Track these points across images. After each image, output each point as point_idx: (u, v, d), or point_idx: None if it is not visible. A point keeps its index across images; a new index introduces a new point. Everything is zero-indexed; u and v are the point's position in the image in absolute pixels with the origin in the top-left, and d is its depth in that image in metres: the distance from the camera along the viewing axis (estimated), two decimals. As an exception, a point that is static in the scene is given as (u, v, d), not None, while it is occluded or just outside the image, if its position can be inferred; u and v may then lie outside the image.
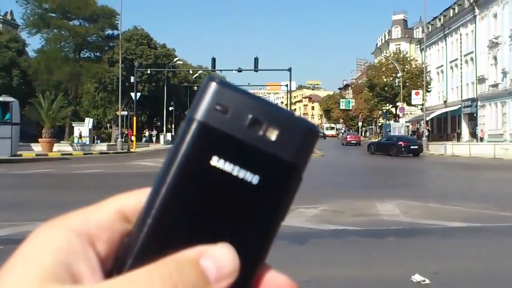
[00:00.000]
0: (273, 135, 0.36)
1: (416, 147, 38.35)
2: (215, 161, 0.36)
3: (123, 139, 44.06)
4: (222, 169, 0.36)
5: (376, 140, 43.40)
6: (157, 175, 0.38)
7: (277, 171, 0.36)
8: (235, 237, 0.36)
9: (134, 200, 0.40)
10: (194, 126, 0.36)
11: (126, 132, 49.84)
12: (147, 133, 56.89)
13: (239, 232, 0.36)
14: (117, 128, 52.75)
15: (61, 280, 0.34)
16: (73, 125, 45.45)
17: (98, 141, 44.39)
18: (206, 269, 0.34)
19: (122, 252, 0.37)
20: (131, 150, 42.23)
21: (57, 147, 38.66)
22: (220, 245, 0.35)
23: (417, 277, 6.07)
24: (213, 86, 0.37)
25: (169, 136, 59.73)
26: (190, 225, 0.36)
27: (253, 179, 0.36)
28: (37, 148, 37.60)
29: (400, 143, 38.35)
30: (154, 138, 57.30)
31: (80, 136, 43.45)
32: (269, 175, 0.36)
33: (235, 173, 0.36)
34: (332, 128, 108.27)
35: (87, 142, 41.84)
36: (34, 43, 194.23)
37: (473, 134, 56.33)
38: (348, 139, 60.79)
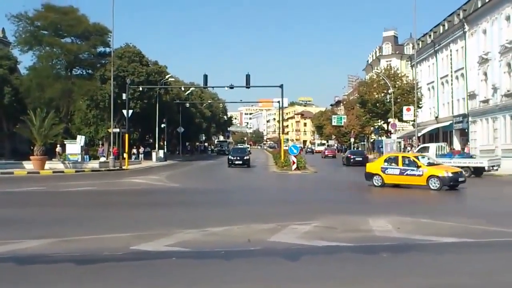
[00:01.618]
0: None
1: (361, 159, 48.39)
2: None
3: (106, 157, 43.93)
4: None
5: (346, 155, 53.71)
6: None
7: None
8: None
9: None
10: None
11: (111, 150, 49.73)
12: (135, 151, 56.57)
13: None
14: (101, 146, 52.47)
15: None
16: (65, 142, 45.21)
17: (87, 158, 44.05)
18: None
19: None
20: (123, 167, 42.06)
21: (48, 164, 38.44)
22: None
23: (410, 293, 6.05)
24: None
25: (161, 153, 59.48)
26: None
27: None
28: (28, 165, 37.38)
29: (349, 155, 51.29)
30: (141, 156, 56.83)
31: (60, 154, 43.33)
32: None
33: None
34: (323, 144, 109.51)
35: (79, 160, 41.62)
36: (26, 60, 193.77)
37: (468, 150, 56.59)
38: (326, 153, 76.45)
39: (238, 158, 44.98)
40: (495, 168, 33.43)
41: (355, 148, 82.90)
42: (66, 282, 6.82)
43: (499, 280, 7.01)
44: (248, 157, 45.68)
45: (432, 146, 39.91)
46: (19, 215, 13.98)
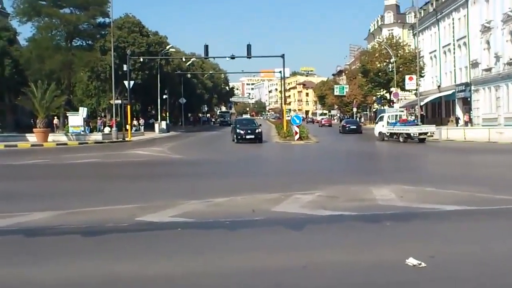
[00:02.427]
0: None
1: (355, 127, 54.69)
2: None
3: (104, 129, 43.96)
4: None
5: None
6: None
7: None
8: None
9: None
10: None
11: (109, 122, 49.73)
12: (135, 122, 56.46)
13: None
14: (99, 118, 52.37)
15: None
16: (68, 114, 45.20)
17: (88, 130, 44.06)
18: None
19: None
20: (126, 139, 42.14)
21: (51, 137, 38.55)
22: None
23: (412, 261, 6.11)
24: None
25: (164, 124, 59.47)
26: None
27: None
28: (32, 138, 37.47)
29: (345, 124, 56.48)
30: (142, 128, 56.69)
31: (58, 126, 43.34)
32: None
33: None
34: (324, 114, 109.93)
35: (82, 132, 41.68)
36: (25, 31, 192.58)
37: (457, 119, 56.64)
38: (322, 123, 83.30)
39: (249, 131, 37.15)
40: (428, 134, 36.52)
41: (358, 118, 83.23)
42: (72, 254, 6.89)
43: (500, 247, 7.06)
44: (260, 130, 38.00)
45: (386, 115, 41.50)
46: (23, 188, 14.07)
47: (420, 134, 35.82)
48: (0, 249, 7.33)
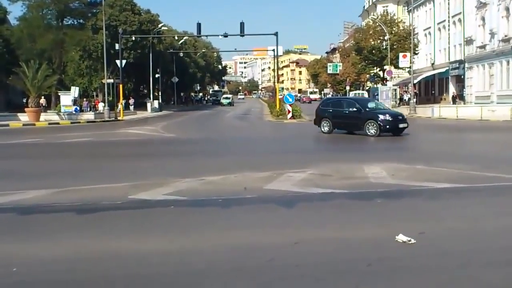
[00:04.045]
0: None
1: None
2: None
3: (88, 108, 43.76)
4: None
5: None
6: None
7: None
8: None
9: None
10: None
11: (93, 102, 49.51)
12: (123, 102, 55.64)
13: None
14: (85, 99, 51.81)
15: None
16: (59, 94, 44.95)
17: (77, 110, 43.79)
18: None
19: None
20: (118, 118, 42.03)
21: (44, 116, 38.39)
22: None
23: (401, 237, 6.21)
24: None
25: (156, 103, 59.24)
26: None
27: None
28: (24, 117, 37.32)
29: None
30: (131, 107, 55.85)
31: (44, 106, 43.02)
32: None
33: None
34: (315, 93, 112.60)
35: (73, 111, 41.50)
36: (15, 11, 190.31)
37: (460, 96, 56.67)
38: (304, 100, 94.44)
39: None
40: None
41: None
42: (67, 231, 6.96)
43: (489, 224, 7.18)
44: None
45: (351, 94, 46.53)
46: (17, 166, 14.07)
47: None
48: (-6, 228, 7.37)
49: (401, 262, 5.60)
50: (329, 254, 5.88)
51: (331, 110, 24.88)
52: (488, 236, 6.59)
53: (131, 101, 57.60)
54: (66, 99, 42.15)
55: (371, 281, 5.08)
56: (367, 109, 23.49)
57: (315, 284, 5.00)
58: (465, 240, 6.41)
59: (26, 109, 37.77)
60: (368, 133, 22.32)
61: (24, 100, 43.06)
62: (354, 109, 23.57)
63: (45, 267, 5.51)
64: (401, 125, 22.73)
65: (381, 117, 22.57)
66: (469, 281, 5.09)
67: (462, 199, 8.98)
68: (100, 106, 47.73)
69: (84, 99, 52.09)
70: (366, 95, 60.95)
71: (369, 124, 22.42)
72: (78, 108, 44.43)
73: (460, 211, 8.06)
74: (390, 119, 22.70)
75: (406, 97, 59.75)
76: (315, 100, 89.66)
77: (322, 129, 24.70)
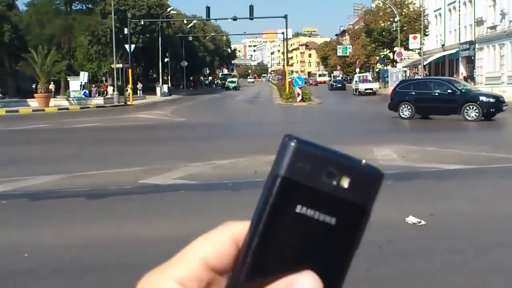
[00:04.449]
0: (345, 183, 0.43)
1: (340, 85, 69.87)
2: (299, 209, 0.42)
3: (96, 94, 43.84)
4: (305, 214, 0.42)
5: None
6: (251, 222, 0.44)
7: (350, 213, 0.43)
8: (317, 266, 0.43)
9: (215, 250, 0.44)
10: (279, 181, 0.43)
11: (102, 88, 49.45)
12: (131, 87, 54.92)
13: (320, 262, 0.43)
14: (94, 86, 51.67)
15: None
16: (68, 79, 45.06)
17: (86, 93, 43.80)
18: None
19: None
20: (128, 103, 42.10)
21: (53, 101, 38.53)
22: (304, 272, 0.42)
23: (411, 219, 6.18)
24: (292, 145, 0.43)
25: (165, 88, 59.21)
26: (281, 261, 0.43)
27: (331, 220, 0.43)
28: (33, 103, 37.47)
29: (332, 83, 73.20)
30: (139, 92, 55.33)
31: (52, 91, 43.06)
32: (344, 216, 0.43)
33: (316, 217, 0.43)
34: (324, 75, 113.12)
35: (82, 95, 41.62)
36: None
37: (470, 77, 56.15)
38: (310, 82, 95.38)
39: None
40: (373, 90, 51.90)
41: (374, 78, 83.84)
42: (77, 216, 7.00)
43: (499, 206, 7.13)
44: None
45: (356, 76, 59.83)
46: (27, 152, 14.14)
47: (366, 89, 51.92)
48: (7, 213, 7.45)
49: (411, 244, 5.59)
50: (339, 237, 5.86)
51: (413, 93, 21.88)
52: (499, 218, 6.55)
53: (139, 85, 57.35)
54: (75, 84, 42.26)
55: (382, 263, 5.07)
56: (464, 91, 21.26)
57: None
58: (475, 222, 6.37)
59: (35, 95, 37.89)
60: (468, 118, 20.10)
61: (34, 86, 43.19)
62: (449, 91, 21.07)
63: (56, 253, 5.54)
64: (504, 107, 20.33)
65: (483, 98, 20.38)
66: (479, 262, 5.07)
67: (473, 180, 8.92)
68: (110, 90, 47.79)
69: (93, 85, 52.11)
70: (369, 77, 62.05)
71: (469, 107, 20.21)
72: (88, 92, 44.57)
73: (470, 192, 8.01)
74: (493, 100, 20.46)
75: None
76: (324, 82, 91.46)
77: (401, 114, 21.91)
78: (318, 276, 0.42)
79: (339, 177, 0.43)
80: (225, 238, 0.45)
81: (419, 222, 6.12)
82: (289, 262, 0.43)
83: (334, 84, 72.21)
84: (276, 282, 0.42)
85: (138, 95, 53.20)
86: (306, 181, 0.43)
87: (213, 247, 0.45)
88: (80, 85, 42.42)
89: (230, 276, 0.44)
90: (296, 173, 0.43)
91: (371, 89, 52.09)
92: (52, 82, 46.33)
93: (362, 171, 0.44)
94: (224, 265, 0.44)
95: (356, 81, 56.03)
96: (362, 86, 52.72)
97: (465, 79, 55.30)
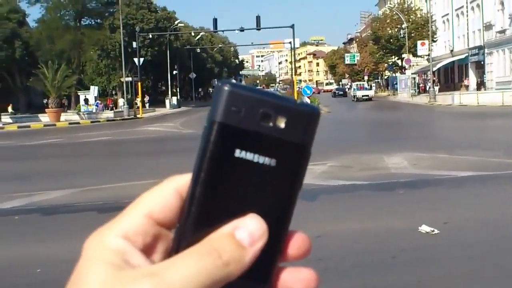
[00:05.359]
0: (282, 123, 0.43)
1: (342, 92, 78.07)
2: (238, 153, 0.42)
3: (103, 108, 44.11)
4: (244, 158, 0.43)
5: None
6: (192, 173, 0.44)
7: (289, 153, 0.43)
8: (261, 209, 0.43)
9: (159, 203, 0.45)
10: (216, 127, 0.43)
11: (104, 102, 49.48)
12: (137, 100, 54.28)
13: (264, 205, 0.44)
14: (99, 101, 51.66)
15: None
16: (79, 93, 45.40)
17: (98, 104, 44.09)
18: (240, 238, 0.42)
19: (173, 242, 0.44)
20: (137, 116, 42.31)
21: (64, 116, 38.81)
22: (248, 215, 0.43)
23: (425, 228, 6.13)
24: (225, 90, 0.43)
25: (174, 100, 59.45)
26: (225, 207, 0.43)
27: (271, 162, 0.43)
28: (44, 118, 37.76)
29: (335, 91, 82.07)
30: (147, 104, 54.94)
31: (87, 102, 43.46)
32: (283, 156, 0.43)
33: (255, 160, 0.43)
34: (331, 84, 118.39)
35: (94, 110, 41.92)
36: (34, 13, 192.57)
37: (481, 82, 55.92)
38: (313, 91, 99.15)
39: None
40: (369, 97, 58.52)
41: (370, 86, 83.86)
42: (91, 230, 6.96)
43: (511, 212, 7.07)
44: None
45: (354, 84, 65.76)
46: (39, 167, 14.22)
47: (363, 96, 57.73)
48: (19, 228, 7.48)
49: (425, 253, 5.54)
50: (353, 247, 5.84)
51: None
52: (513, 224, 6.49)
53: (146, 98, 57.44)
54: (91, 98, 42.81)
55: (396, 273, 5.03)
56: None
57: (339, 277, 4.97)
58: (489, 229, 6.31)
59: (46, 110, 38.20)
60: None
61: (45, 101, 43.56)
62: None
63: (69, 268, 5.52)
64: None
65: None
66: (494, 270, 5.02)
67: (486, 187, 8.85)
68: (121, 102, 47.97)
69: (99, 102, 52.31)
70: (365, 85, 67.60)
71: None
72: (100, 102, 45.00)
73: (483, 199, 7.94)
74: None
75: (428, 85, 59.12)
76: (329, 91, 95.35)
77: None
78: (262, 218, 0.43)
79: (275, 117, 0.43)
80: (168, 191, 0.45)
81: (433, 231, 6.07)
82: (233, 207, 0.43)
83: (337, 91, 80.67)
84: (221, 228, 0.42)
85: (146, 108, 53.32)
86: (242, 124, 0.42)
87: (156, 200, 0.45)
88: (85, 100, 42.93)
89: (177, 228, 0.44)
90: (232, 118, 0.42)
91: (367, 95, 58.51)
92: (65, 97, 46.75)
93: (298, 110, 0.43)
94: (169, 218, 0.44)
95: (354, 89, 63.13)
96: (359, 93, 58.95)
97: (479, 84, 55.22)
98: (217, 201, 0.43)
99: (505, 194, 8.23)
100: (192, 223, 0.43)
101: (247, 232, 0.42)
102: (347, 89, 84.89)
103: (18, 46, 50.84)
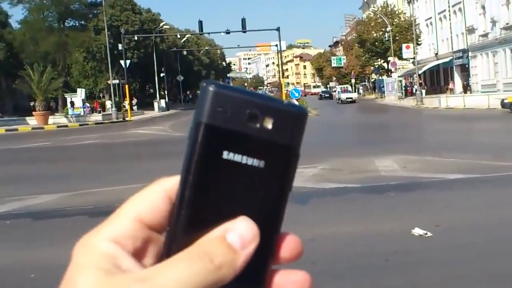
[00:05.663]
0: (269, 124, 0.42)
1: (328, 95, 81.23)
2: (226, 155, 0.42)
3: (90, 111, 43.89)
4: (232, 160, 0.42)
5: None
6: (180, 175, 0.43)
7: (277, 154, 0.43)
8: (252, 211, 0.43)
9: (148, 206, 0.44)
10: (202, 128, 0.42)
11: (92, 105, 49.10)
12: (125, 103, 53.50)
13: (255, 207, 0.43)
14: (87, 104, 51.22)
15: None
16: (66, 96, 45.09)
17: (86, 106, 43.79)
18: (232, 242, 0.41)
19: (163, 246, 0.43)
20: (126, 119, 42.13)
21: (52, 119, 38.51)
22: (239, 218, 0.42)
23: (417, 231, 6.20)
24: (211, 91, 0.42)
25: (163, 102, 59.24)
26: (215, 210, 0.42)
27: (260, 164, 0.42)
28: (32, 121, 37.44)
29: (321, 93, 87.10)
30: (134, 107, 54.24)
31: (73, 105, 43.11)
32: (272, 158, 0.43)
33: (244, 161, 0.42)
34: (318, 87, 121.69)
35: (81, 113, 41.66)
36: (16, 14, 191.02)
37: (467, 85, 56.55)
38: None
39: None
40: (352, 99, 61.03)
41: (356, 89, 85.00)
42: (82, 234, 6.97)
43: (504, 214, 7.15)
44: None
45: (338, 87, 69.00)
46: (28, 171, 14.12)
47: (347, 98, 60.51)
48: (11, 233, 7.44)
49: (418, 256, 5.60)
50: (346, 250, 5.89)
51: None
52: (504, 227, 6.57)
53: (134, 101, 57.06)
54: (77, 101, 42.45)
55: (390, 276, 5.08)
56: None
57: (333, 280, 5.00)
58: (481, 231, 6.40)
59: (34, 113, 37.87)
60: None
61: (31, 104, 43.21)
62: None
63: (62, 273, 5.52)
64: None
65: None
66: (487, 273, 5.09)
67: (476, 189, 8.95)
68: (108, 104, 47.65)
69: (87, 105, 51.90)
70: (349, 88, 70.71)
71: None
72: (88, 105, 44.68)
73: (474, 202, 8.04)
74: None
75: (415, 88, 59.60)
76: (316, 94, 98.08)
77: None
78: (253, 221, 0.42)
79: (262, 118, 0.42)
80: (157, 194, 0.45)
81: (425, 233, 6.14)
82: (224, 210, 0.42)
83: (323, 94, 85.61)
84: (212, 231, 0.42)
85: (135, 110, 53.02)
86: (229, 125, 0.42)
87: (145, 203, 0.44)
88: (83, 101, 42.60)
89: (167, 232, 0.44)
90: (218, 118, 0.42)
91: (351, 98, 61.37)
92: (52, 100, 46.37)
93: (285, 110, 0.43)
94: (159, 221, 0.44)
95: (338, 91, 66.06)
96: (343, 96, 61.94)
97: (466, 87, 55.78)
98: (206, 204, 0.42)
99: (494, 196, 8.34)
100: (182, 227, 0.42)
101: (238, 235, 0.42)
102: (332, 92, 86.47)
103: (2, 48, 50.40)
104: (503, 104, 31.10)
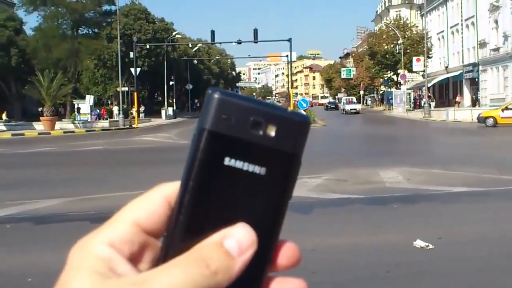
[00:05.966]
0: (272, 131, 0.42)
1: (334, 106, 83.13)
2: (228, 161, 0.42)
3: (96, 118, 44.00)
4: (234, 166, 0.42)
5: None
6: (181, 181, 0.43)
7: (279, 161, 0.43)
8: (251, 218, 0.43)
9: (146, 211, 0.44)
10: (205, 134, 0.42)
11: (99, 111, 49.22)
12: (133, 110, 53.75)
13: (254, 214, 0.43)
14: (97, 109, 51.39)
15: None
16: (74, 102, 45.30)
17: (97, 112, 44.01)
18: (229, 248, 0.41)
19: (160, 251, 0.43)
20: (133, 126, 42.25)
21: (59, 125, 38.69)
22: (237, 225, 0.42)
23: (419, 243, 6.12)
24: (216, 98, 0.43)
25: (170, 110, 59.41)
26: (214, 216, 0.42)
27: (261, 171, 0.42)
28: (39, 126, 37.63)
29: (327, 104, 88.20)
30: (142, 115, 54.50)
31: (79, 111, 43.26)
32: (273, 165, 0.43)
33: (245, 168, 0.42)
34: (326, 97, 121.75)
35: (88, 119, 41.83)
36: (31, 21, 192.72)
37: (475, 99, 56.31)
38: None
39: None
40: (356, 110, 63.82)
41: (365, 101, 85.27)
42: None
43: (507, 228, 7.06)
44: None
45: (344, 98, 71.26)
46: (32, 175, 14.15)
47: (351, 109, 62.83)
48: (12, 237, 7.42)
49: (419, 268, 5.52)
50: (347, 261, 5.81)
51: None
52: (507, 240, 6.48)
53: (142, 108, 57.29)
54: (84, 107, 42.60)
55: (390, 287, 5.00)
56: None
57: (333, 291, 4.94)
58: (484, 245, 6.30)
59: (41, 118, 38.08)
60: None
61: (40, 109, 43.44)
62: None
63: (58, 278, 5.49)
64: None
65: None
66: (488, 286, 5.00)
67: (480, 203, 8.85)
68: (115, 109, 47.83)
69: (92, 114, 52.09)
70: (354, 99, 71.22)
71: None
72: (98, 110, 44.89)
73: (478, 215, 7.94)
74: None
75: (423, 101, 59.42)
76: (323, 104, 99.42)
77: None
78: (252, 228, 0.42)
79: (265, 126, 0.42)
80: (156, 199, 0.44)
81: (427, 246, 6.05)
82: (222, 216, 0.42)
83: (329, 105, 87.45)
84: (209, 237, 0.42)
85: (142, 118, 53.20)
86: (232, 132, 0.42)
87: (144, 208, 0.44)
88: (90, 108, 42.75)
89: (165, 237, 0.44)
90: (222, 125, 0.42)
91: (355, 109, 63.71)
92: (60, 106, 46.61)
93: (288, 118, 0.43)
94: (157, 226, 0.44)
95: (343, 103, 68.80)
96: (348, 107, 64.17)
97: (474, 101, 55.54)
98: (206, 209, 0.42)
99: (499, 210, 8.24)
100: (180, 232, 0.42)
101: (236, 241, 0.42)
102: (338, 103, 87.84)
103: (14, 54, 50.82)
104: (479, 119, 31.98)
